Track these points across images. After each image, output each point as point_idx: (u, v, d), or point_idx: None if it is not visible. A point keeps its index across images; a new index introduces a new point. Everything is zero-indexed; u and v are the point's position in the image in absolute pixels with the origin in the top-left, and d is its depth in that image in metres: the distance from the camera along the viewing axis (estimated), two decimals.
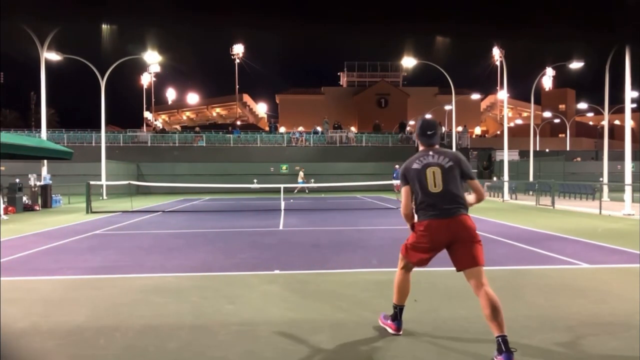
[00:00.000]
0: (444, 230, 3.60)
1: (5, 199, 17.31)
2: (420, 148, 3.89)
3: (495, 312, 3.41)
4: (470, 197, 3.82)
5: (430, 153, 3.76)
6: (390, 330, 4.04)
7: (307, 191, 32.66)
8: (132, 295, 5.44)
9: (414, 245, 3.78)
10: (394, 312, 4.05)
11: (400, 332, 4.01)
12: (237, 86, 69.81)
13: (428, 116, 3.84)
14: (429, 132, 3.82)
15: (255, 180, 30.00)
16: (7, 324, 4.32)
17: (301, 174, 32.82)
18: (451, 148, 32.75)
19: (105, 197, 26.65)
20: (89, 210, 17.34)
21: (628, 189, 15.52)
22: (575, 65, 26.96)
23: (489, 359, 3.47)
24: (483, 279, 3.55)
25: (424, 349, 3.71)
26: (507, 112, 30.14)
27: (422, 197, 3.69)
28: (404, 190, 3.83)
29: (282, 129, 50.56)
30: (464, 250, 3.58)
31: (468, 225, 3.61)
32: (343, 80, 72.50)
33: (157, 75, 67.67)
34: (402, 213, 3.86)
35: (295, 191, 32.19)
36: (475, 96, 60.11)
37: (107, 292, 5.66)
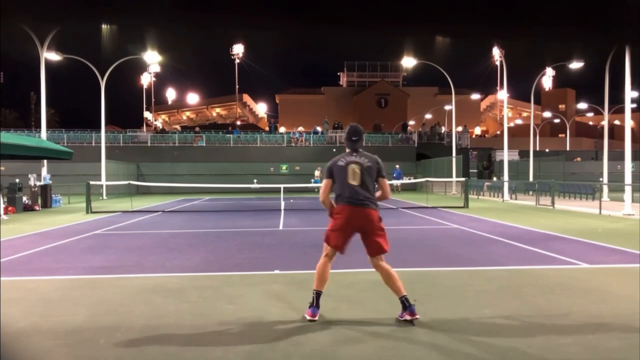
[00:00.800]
0: (354, 216, 4.40)
1: (5, 199, 17.31)
2: (347, 150, 4.62)
3: (390, 280, 4.38)
4: (377, 193, 4.58)
5: (354, 154, 4.53)
6: (307, 317, 4.35)
7: (316, 190, 32.61)
8: (132, 295, 5.44)
9: (332, 228, 4.48)
10: (313, 297, 4.42)
11: (316, 318, 4.34)
12: (237, 86, 69.87)
13: (354, 124, 4.70)
14: (354, 138, 4.58)
15: (255, 180, 29.98)
16: (7, 324, 4.32)
17: (317, 172, 32.69)
18: (451, 148, 32.83)
19: (105, 197, 26.64)
20: (89, 210, 17.34)
21: (628, 189, 15.51)
22: (575, 65, 26.97)
23: (489, 358, 3.47)
24: (380, 261, 4.45)
25: (424, 349, 3.71)
26: (507, 112, 30.13)
27: (342, 188, 4.45)
28: (325, 182, 4.55)
29: (282, 129, 50.51)
30: (373, 241, 4.41)
31: (373, 218, 4.42)
32: (343, 80, 72.51)
33: (157, 75, 67.64)
34: (320, 200, 4.60)
35: (316, 190, 32.18)
36: (475, 96, 60.10)
37: (107, 292, 5.66)
